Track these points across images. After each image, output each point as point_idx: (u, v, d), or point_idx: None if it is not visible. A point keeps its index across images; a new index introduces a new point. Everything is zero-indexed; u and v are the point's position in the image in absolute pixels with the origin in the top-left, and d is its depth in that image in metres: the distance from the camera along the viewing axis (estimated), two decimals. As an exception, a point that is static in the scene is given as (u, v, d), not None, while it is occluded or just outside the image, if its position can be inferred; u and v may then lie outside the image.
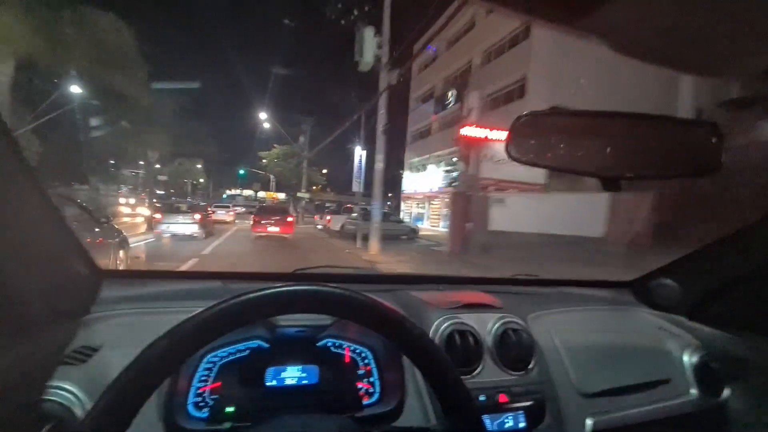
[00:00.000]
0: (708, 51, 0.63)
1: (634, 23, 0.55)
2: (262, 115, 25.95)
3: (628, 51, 0.58)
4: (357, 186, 23.53)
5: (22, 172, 0.70)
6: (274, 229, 13.90)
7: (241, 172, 40.16)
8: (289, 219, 14.23)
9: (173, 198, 35.07)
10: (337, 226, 15.89)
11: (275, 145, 31.94)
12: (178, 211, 11.92)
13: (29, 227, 0.75)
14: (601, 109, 0.81)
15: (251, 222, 15.10)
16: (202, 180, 45.36)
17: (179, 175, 43.77)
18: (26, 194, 0.73)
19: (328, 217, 16.68)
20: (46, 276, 0.79)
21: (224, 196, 47.73)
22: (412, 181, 29.21)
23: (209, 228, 12.19)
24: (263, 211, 14.86)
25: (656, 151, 0.80)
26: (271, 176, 36.00)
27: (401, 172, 30.32)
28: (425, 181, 25.19)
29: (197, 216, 11.50)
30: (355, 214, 14.44)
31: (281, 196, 52.05)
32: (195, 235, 11.07)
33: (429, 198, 24.93)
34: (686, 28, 0.56)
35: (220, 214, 20.60)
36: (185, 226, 11.29)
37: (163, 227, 10.59)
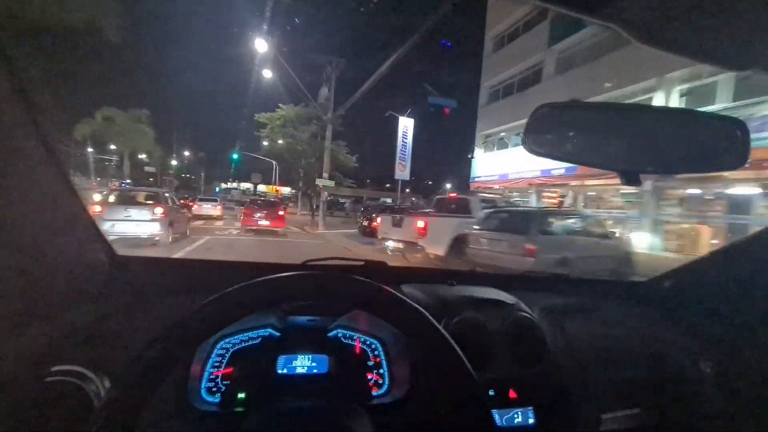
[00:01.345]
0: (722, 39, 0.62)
1: (649, 11, 0.53)
2: (260, 46, 14.27)
3: (645, 39, 0.56)
4: (402, 172, 19.52)
5: (50, 161, 0.74)
6: (264, 223, 14.03)
7: (234, 156, 33.35)
8: (280, 213, 14.79)
9: (123, 183, 29.82)
10: (440, 246, 8.28)
11: (280, 105, 23.56)
12: (130, 201, 8.57)
13: (55, 214, 0.79)
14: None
15: (242, 216, 15.18)
16: (147, 152, 39.39)
17: (101, 137, 36.02)
18: (52, 182, 0.77)
19: (420, 223, 8.72)
20: (68, 260, 0.83)
21: (216, 189, 44.06)
22: (487, 164, 20.90)
23: (181, 227, 9.68)
24: (254, 205, 15.00)
25: (679, 146, 0.81)
26: (274, 163, 31.44)
27: (471, 151, 23.39)
28: (510, 164, 18.06)
29: (159, 210, 8.21)
30: (477, 218, 8.09)
31: (285, 190, 47.01)
32: (155, 237, 8.07)
33: (537, 186, 17.00)
34: (700, 16, 0.55)
35: (206, 208, 19.16)
36: (140, 224, 8.00)
37: (107, 225, 7.36)
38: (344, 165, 23.84)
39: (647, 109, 0.73)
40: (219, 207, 19.91)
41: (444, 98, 21.12)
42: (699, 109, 0.77)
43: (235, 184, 53.29)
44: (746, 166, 0.75)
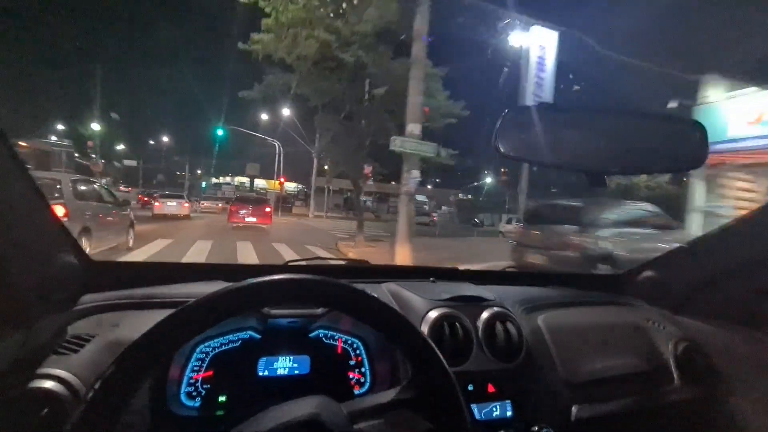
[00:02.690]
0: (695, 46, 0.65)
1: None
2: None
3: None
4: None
5: (13, 164, 0.74)
6: (251, 220, 14.20)
7: (219, 132, 24.83)
8: (267, 209, 14.81)
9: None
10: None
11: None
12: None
13: (17, 218, 0.79)
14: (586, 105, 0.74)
15: (227, 213, 15.17)
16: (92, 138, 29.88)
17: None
18: (13, 184, 0.77)
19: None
20: (37, 267, 0.83)
21: (203, 185, 40.02)
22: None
23: (111, 233, 7.29)
24: (241, 201, 15.26)
25: (642, 147, 0.81)
26: (277, 145, 25.35)
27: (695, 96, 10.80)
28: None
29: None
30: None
31: (290, 186, 43.19)
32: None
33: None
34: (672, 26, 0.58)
35: (170, 207, 16.86)
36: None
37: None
38: (440, 117, 12.49)
39: (612, 111, 0.78)
40: (186, 205, 17.92)
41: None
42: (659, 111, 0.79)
43: (228, 179, 47.50)
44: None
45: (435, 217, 29.83)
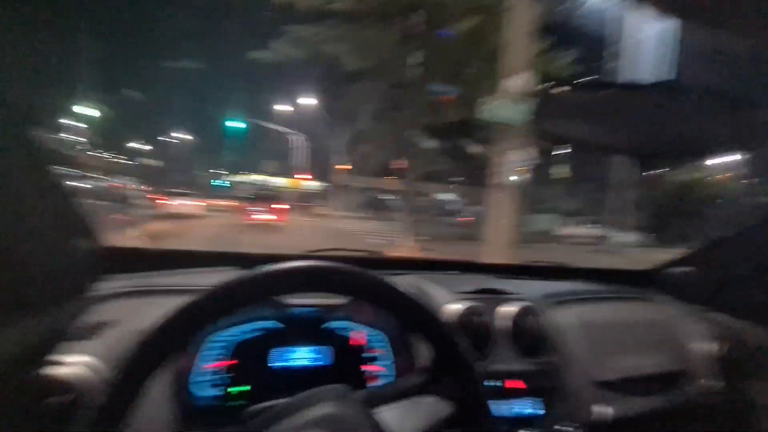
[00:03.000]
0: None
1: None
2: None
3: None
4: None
5: (27, 146, 0.76)
6: (266, 217, 14.31)
7: (232, 124, 21.20)
8: (281, 206, 15.07)
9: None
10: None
11: None
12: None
13: (29, 203, 0.79)
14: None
15: (241, 212, 15.26)
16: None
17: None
18: (26, 168, 0.77)
19: None
20: (50, 252, 0.84)
21: (214, 182, 36.50)
22: None
23: None
24: (255, 199, 15.82)
25: (697, 130, 0.71)
26: (301, 139, 22.59)
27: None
28: None
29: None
30: None
31: (313, 185, 37.62)
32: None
33: None
34: None
35: (179, 206, 15.79)
36: None
37: None
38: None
39: (663, 91, 0.72)
40: (197, 203, 17.19)
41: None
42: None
43: (243, 177, 43.48)
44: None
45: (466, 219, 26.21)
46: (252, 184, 33.40)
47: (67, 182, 0.84)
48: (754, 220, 1.16)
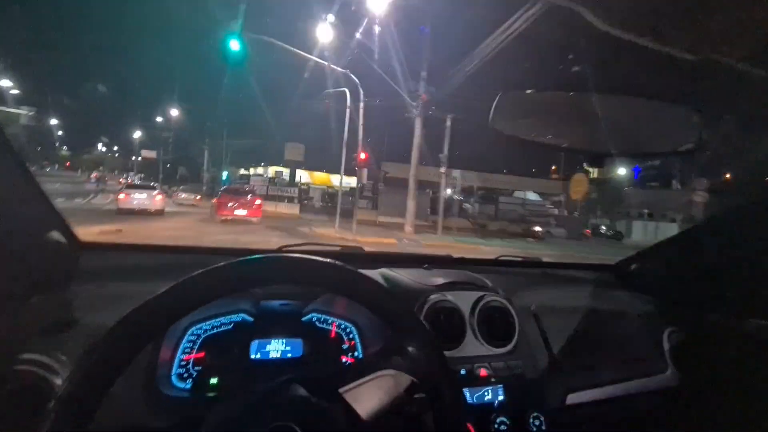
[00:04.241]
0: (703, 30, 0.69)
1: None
2: None
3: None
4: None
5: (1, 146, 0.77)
6: (240, 213, 14.26)
7: (233, 43, 10.49)
8: (257, 201, 15.32)
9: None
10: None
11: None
12: None
13: (4, 199, 0.82)
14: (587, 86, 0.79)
15: (213, 207, 14.99)
16: None
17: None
18: (4, 168, 0.80)
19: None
20: (26, 248, 0.86)
21: (224, 177, 31.50)
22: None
23: None
24: (229, 193, 15.59)
25: (641, 129, 0.80)
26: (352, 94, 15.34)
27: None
28: None
29: None
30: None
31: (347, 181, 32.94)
32: None
33: None
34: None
35: (138, 200, 14.63)
36: None
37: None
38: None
39: (611, 92, 0.80)
40: (158, 198, 15.50)
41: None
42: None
43: (259, 169, 37.33)
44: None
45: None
46: (270, 178, 29.61)
47: (36, 177, 0.88)
48: (707, 217, 1.22)
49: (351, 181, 29.29)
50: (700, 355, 1.23)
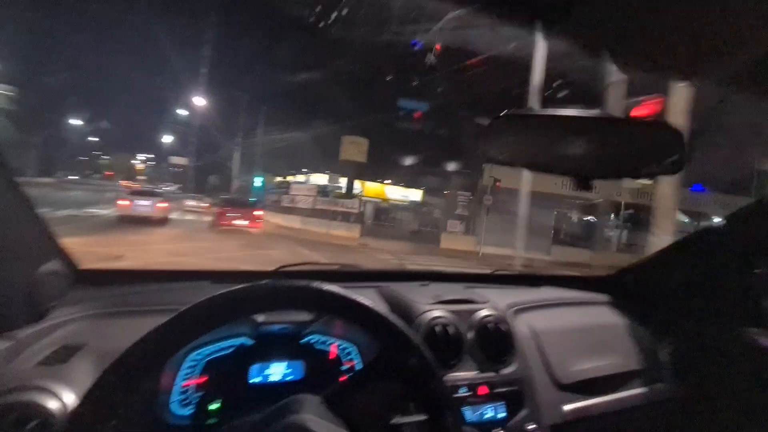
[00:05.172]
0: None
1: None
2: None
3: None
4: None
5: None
6: (240, 223, 14.52)
7: None
8: (257, 212, 15.86)
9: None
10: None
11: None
12: None
13: (5, 226, 0.82)
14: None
15: (215, 216, 15.37)
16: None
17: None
18: (2, 193, 0.81)
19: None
20: (22, 274, 0.87)
21: (258, 183, 27.78)
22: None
23: None
24: (228, 203, 16.18)
25: (624, 152, 0.84)
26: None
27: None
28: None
29: None
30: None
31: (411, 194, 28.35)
32: None
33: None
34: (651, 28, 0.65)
35: (139, 208, 14.12)
36: None
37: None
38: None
39: (597, 117, 0.85)
40: (161, 205, 14.95)
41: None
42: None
43: (300, 177, 32.15)
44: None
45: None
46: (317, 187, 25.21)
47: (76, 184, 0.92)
48: (704, 227, 1.24)
49: (409, 194, 26.80)
50: (699, 367, 1.30)
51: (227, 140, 31.56)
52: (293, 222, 20.60)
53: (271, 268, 1.36)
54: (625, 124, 0.96)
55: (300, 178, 31.48)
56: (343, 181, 23.59)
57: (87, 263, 1.13)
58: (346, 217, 20.01)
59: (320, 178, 26.88)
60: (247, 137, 29.80)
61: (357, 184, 24.75)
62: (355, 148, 23.42)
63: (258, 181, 27.61)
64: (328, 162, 26.18)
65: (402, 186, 30.64)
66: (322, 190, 23.09)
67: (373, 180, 28.17)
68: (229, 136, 31.05)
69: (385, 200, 26.35)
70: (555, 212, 17.41)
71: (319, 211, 20.41)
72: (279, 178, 33.04)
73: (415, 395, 0.72)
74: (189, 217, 17.63)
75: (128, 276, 1.30)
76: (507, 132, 1.03)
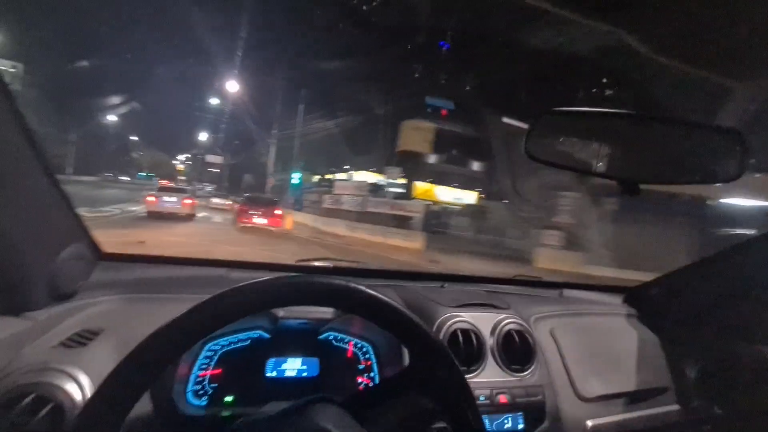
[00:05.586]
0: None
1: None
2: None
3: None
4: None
5: (31, 153, 0.80)
6: (260, 221, 14.23)
7: None
8: (277, 211, 15.44)
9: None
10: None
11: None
12: None
13: (31, 208, 0.84)
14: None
15: (236, 213, 15.70)
16: None
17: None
18: (31, 174, 0.83)
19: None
20: (48, 257, 0.90)
21: (296, 180, 25.05)
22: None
23: None
24: (250, 201, 15.75)
25: (678, 156, 0.86)
26: None
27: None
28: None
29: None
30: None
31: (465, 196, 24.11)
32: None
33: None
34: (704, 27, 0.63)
35: (166, 204, 14.24)
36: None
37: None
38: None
39: (648, 117, 0.83)
40: (188, 202, 15.17)
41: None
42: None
43: (342, 175, 30.10)
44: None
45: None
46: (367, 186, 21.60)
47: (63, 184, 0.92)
48: (729, 243, 1.18)
49: (462, 196, 22.50)
50: (726, 386, 1.25)
51: (262, 134, 28.75)
52: (337, 227, 17.12)
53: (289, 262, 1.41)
54: (681, 125, 0.92)
55: (341, 176, 28.18)
56: (394, 178, 19.84)
57: (110, 248, 1.13)
58: (401, 222, 16.38)
59: (364, 177, 23.51)
60: (283, 129, 26.71)
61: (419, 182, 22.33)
62: (418, 136, 19.83)
63: (296, 177, 24.24)
64: (374, 158, 23.73)
65: (456, 187, 25.79)
66: (374, 189, 19.48)
67: (422, 179, 24.46)
68: (264, 129, 28.19)
69: (436, 202, 21.85)
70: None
71: (369, 215, 17.15)
72: (317, 177, 30.29)
73: (443, 410, 0.68)
74: (216, 217, 16.97)
75: (149, 261, 1.29)
76: (551, 131, 1.01)
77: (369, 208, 17.49)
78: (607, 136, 0.98)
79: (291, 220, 16.06)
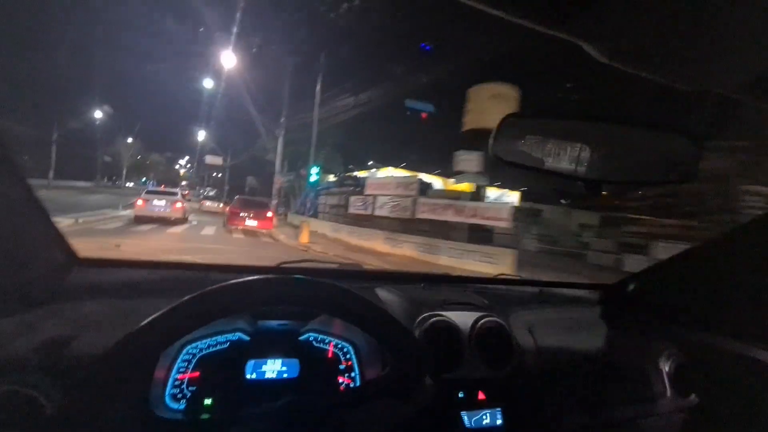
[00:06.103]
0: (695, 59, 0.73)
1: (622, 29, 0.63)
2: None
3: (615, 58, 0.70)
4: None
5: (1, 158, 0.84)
6: (251, 224, 14.72)
7: None
8: (269, 214, 16.10)
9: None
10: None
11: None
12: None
13: (4, 213, 0.85)
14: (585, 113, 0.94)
15: (226, 216, 15.81)
16: None
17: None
18: (0, 181, 0.86)
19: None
20: (19, 262, 0.91)
21: (314, 178, 20.20)
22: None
23: None
24: (241, 203, 16.42)
25: (637, 157, 0.89)
26: None
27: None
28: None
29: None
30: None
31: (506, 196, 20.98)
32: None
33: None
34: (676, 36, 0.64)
35: (155, 207, 13.92)
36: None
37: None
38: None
39: (609, 120, 0.86)
40: (179, 205, 14.84)
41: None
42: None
43: (362, 174, 26.34)
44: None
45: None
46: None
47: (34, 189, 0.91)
48: (708, 238, 1.21)
49: (501, 195, 18.90)
50: (701, 379, 1.32)
51: (269, 125, 23.63)
52: (373, 241, 13.87)
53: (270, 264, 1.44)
54: (639, 128, 0.93)
55: (362, 174, 24.20)
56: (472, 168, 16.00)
57: (86, 252, 1.12)
58: (474, 233, 12.11)
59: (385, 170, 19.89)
60: (294, 116, 22.01)
61: (439, 183, 17.40)
62: (501, 105, 14.24)
63: (314, 173, 19.77)
64: (406, 152, 20.96)
65: (497, 186, 22.28)
66: (425, 189, 15.56)
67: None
68: (271, 118, 23.11)
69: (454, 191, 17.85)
70: None
71: (418, 223, 13.51)
72: (332, 176, 25.59)
73: (420, 412, 0.72)
74: (207, 229, 15.30)
75: (126, 265, 1.29)
76: (515, 133, 1.03)
77: (422, 214, 13.55)
78: (570, 138, 1.03)
79: (307, 231, 13.39)
